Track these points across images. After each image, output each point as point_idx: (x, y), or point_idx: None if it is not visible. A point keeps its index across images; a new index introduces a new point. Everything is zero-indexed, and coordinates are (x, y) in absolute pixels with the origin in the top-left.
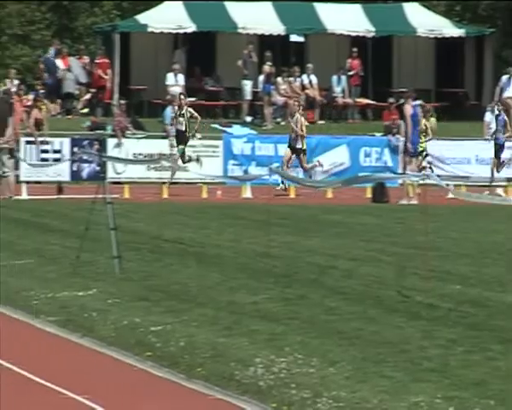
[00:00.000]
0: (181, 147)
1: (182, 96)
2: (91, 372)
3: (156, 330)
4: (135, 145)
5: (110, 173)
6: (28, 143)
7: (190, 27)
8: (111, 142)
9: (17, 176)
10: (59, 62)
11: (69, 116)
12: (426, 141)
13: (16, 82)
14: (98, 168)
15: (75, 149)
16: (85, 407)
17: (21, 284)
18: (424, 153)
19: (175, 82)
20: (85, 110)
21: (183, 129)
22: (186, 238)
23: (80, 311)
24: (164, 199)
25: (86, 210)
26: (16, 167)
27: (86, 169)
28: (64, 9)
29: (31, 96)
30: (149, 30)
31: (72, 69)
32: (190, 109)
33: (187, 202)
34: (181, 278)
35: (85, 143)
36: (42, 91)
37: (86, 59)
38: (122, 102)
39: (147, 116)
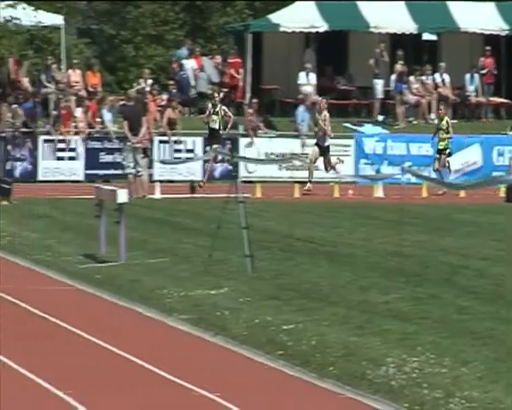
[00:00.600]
0: (215, 146)
1: (216, 94)
2: (223, 371)
3: (288, 329)
4: (267, 144)
5: (242, 172)
6: (161, 142)
7: (322, 27)
8: (243, 141)
9: (151, 175)
10: (192, 62)
11: (202, 115)
12: (448, 139)
13: (150, 82)
14: (230, 167)
15: (207, 149)
16: (218, 405)
17: (155, 282)
18: (447, 151)
19: (307, 81)
20: None
21: (217, 127)
22: (317, 237)
23: (212, 309)
24: (295, 198)
25: (218, 209)
26: (150, 166)
27: (219, 168)
28: (197, 9)
29: (164, 96)
30: (281, 29)
31: (204, 69)
32: (224, 108)
33: (318, 201)
34: (312, 276)
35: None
36: (175, 91)
37: (219, 58)
38: (254, 101)
39: (278, 115)
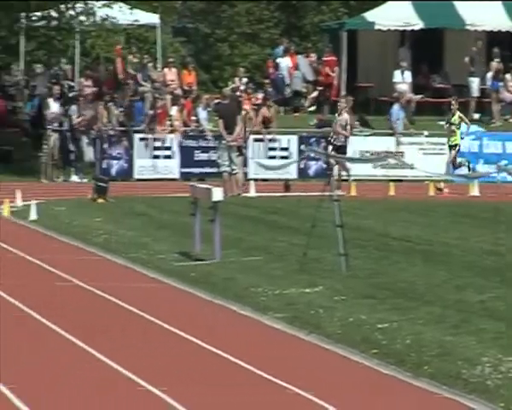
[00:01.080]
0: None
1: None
2: (318, 369)
3: (382, 328)
4: (361, 143)
5: (337, 171)
6: (256, 140)
7: (418, 24)
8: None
9: (245, 173)
10: (287, 61)
11: (296, 114)
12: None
13: (245, 80)
14: (325, 166)
15: (302, 147)
16: (313, 403)
17: (249, 280)
18: (457, 148)
19: (402, 79)
20: (312, 108)
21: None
22: (413, 236)
23: (307, 308)
24: (390, 196)
25: (313, 207)
26: (245, 165)
27: (313, 167)
28: (292, 8)
29: (260, 95)
30: (376, 27)
31: (299, 67)
32: (247, 107)
33: (413, 200)
34: (407, 275)
35: (312, 140)
36: (270, 89)
37: (313, 57)
38: (349, 99)
39: (373, 114)
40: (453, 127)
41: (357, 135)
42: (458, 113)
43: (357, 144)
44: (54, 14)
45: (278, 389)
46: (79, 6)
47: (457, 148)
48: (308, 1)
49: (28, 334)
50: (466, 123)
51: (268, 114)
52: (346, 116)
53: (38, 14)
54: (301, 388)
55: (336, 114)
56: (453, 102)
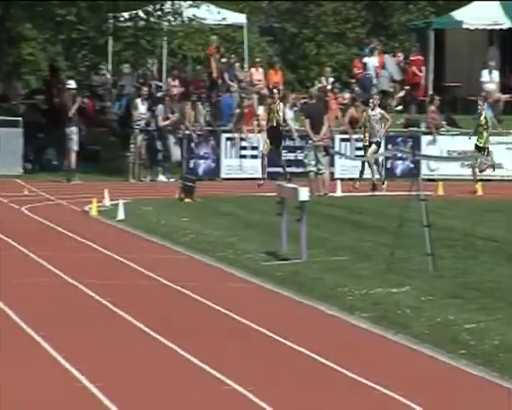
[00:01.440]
0: (270, 146)
1: (275, 91)
2: (405, 369)
3: (470, 328)
4: (449, 142)
5: (424, 170)
6: (343, 140)
7: (505, 24)
8: (425, 139)
9: (332, 173)
10: (374, 60)
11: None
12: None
13: (331, 80)
14: (412, 165)
15: (389, 147)
16: (400, 404)
17: (336, 280)
18: (486, 150)
19: (489, 79)
20: (399, 107)
21: (275, 125)
22: (500, 236)
23: (394, 308)
24: (478, 196)
25: (400, 207)
26: (331, 165)
27: (400, 166)
28: (379, 7)
29: (347, 95)
30: (464, 26)
31: (386, 66)
32: (280, 104)
33: (502, 200)
34: (494, 275)
35: (399, 140)
36: (357, 89)
37: (400, 56)
38: (436, 98)
39: (461, 113)
40: (480, 128)
41: (445, 134)
42: (484, 113)
43: (445, 144)
44: (141, 14)
45: (365, 389)
46: (167, 7)
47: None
48: (395, 0)
49: (116, 332)
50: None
51: (356, 114)
52: (378, 111)
53: (126, 14)
54: (388, 388)
55: (369, 110)
56: (480, 103)
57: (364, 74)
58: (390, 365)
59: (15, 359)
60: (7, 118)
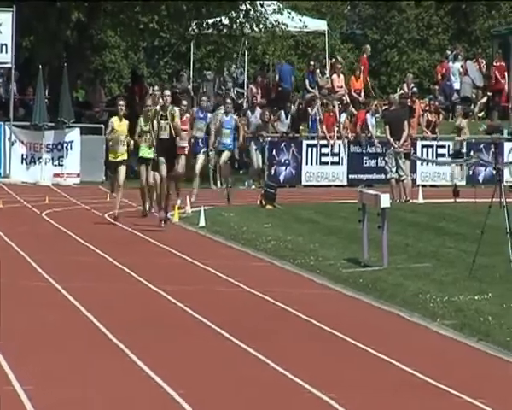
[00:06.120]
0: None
1: (167, 92)
2: (487, 377)
3: None
4: None
5: (507, 177)
6: (424, 146)
7: None
8: (507, 145)
9: (414, 179)
10: (457, 66)
11: (466, 119)
12: None
13: (413, 86)
14: (494, 172)
15: (471, 153)
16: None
17: (418, 287)
18: None
19: None
20: (482, 113)
21: (167, 136)
22: None
23: (476, 315)
24: None
25: (482, 214)
26: (413, 171)
27: (482, 173)
28: (461, 13)
29: (428, 101)
30: None
31: (469, 73)
32: (176, 109)
33: None
34: None
35: (481, 146)
36: (439, 95)
37: (483, 62)
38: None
39: None
40: None
41: None
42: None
43: None
44: (224, 21)
45: (447, 396)
46: (251, 13)
47: None
48: (478, 5)
49: (196, 339)
50: None
51: (436, 119)
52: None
53: (210, 21)
54: (471, 395)
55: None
56: None
57: (446, 81)
58: (472, 372)
59: (98, 365)
60: (90, 125)
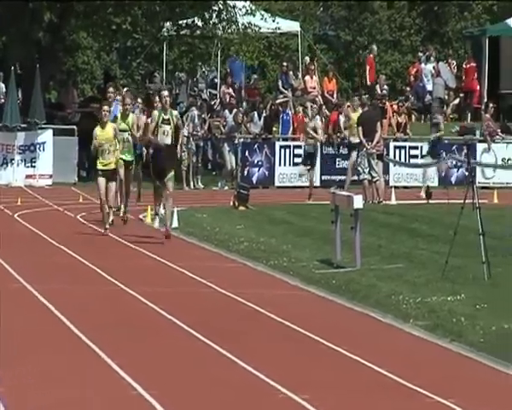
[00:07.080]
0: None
1: (165, 93)
2: (459, 377)
3: None
4: (504, 150)
5: (479, 178)
6: (396, 147)
7: None
8: (480, 147)
9: (387, 181)
10: (429, 67)
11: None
12: None
13: (386, 87)
14: (467, 173)
15: (444, 154)
16: None
17: (390, 288)
18: None
19: None
20: (454, 115)
21: (169, 142)
22: None
23: (449, 316)
24: None
25: (455, 215)
26: (385, 172)
27: (455, 174)
28: (434, 15)
29: (400, 102)
30: None
31: (441, 74)
32: (176, 113)
33: None
34: None
35: (454, 147)
36: (411, 97)
37: (454, 64)
38: (491, 106)
39: None
40: None
41: (500, 142)
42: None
43: (500, 152)
44: (198, 22)
45: (418, 397)
46: (224, 14)
47: None
48: (451, 8)
49: (169, 340)
50: None
51: (402, 120)
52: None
53: (183, 22)
54: (442, 396)
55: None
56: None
57: (418, 82)
58: (444, 373)
59: (69, 366)
60: (62, 126)
